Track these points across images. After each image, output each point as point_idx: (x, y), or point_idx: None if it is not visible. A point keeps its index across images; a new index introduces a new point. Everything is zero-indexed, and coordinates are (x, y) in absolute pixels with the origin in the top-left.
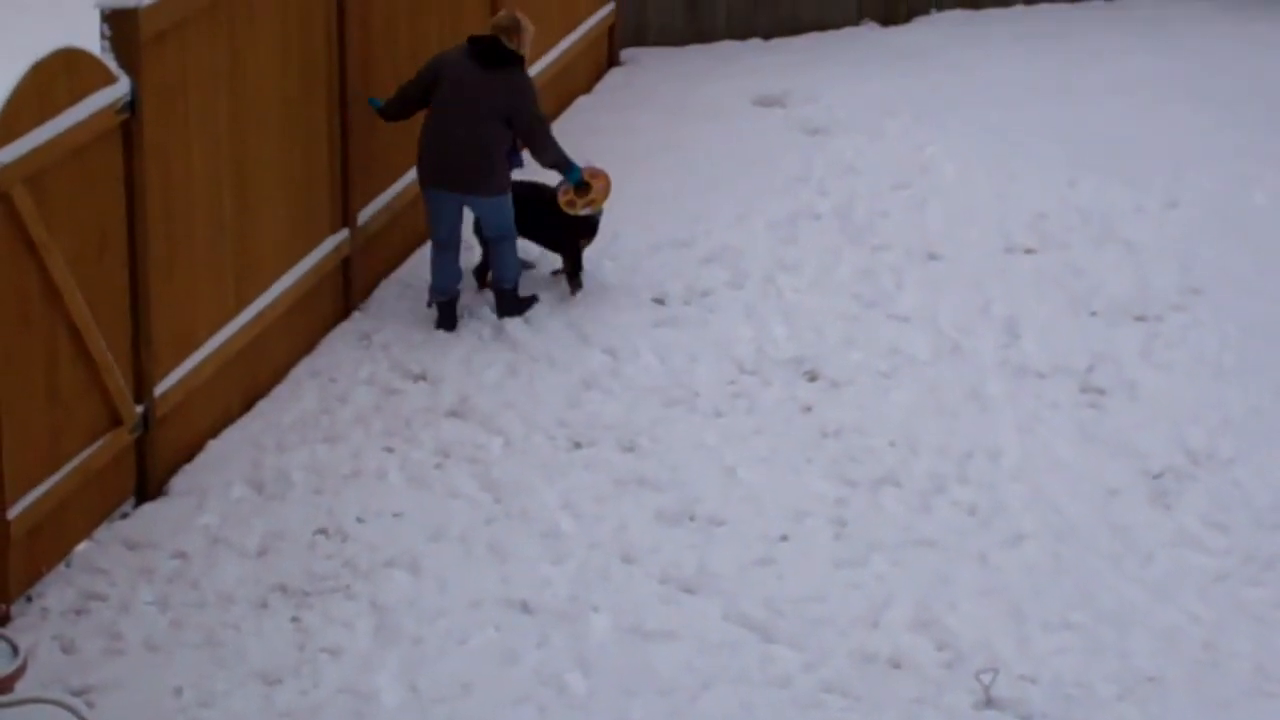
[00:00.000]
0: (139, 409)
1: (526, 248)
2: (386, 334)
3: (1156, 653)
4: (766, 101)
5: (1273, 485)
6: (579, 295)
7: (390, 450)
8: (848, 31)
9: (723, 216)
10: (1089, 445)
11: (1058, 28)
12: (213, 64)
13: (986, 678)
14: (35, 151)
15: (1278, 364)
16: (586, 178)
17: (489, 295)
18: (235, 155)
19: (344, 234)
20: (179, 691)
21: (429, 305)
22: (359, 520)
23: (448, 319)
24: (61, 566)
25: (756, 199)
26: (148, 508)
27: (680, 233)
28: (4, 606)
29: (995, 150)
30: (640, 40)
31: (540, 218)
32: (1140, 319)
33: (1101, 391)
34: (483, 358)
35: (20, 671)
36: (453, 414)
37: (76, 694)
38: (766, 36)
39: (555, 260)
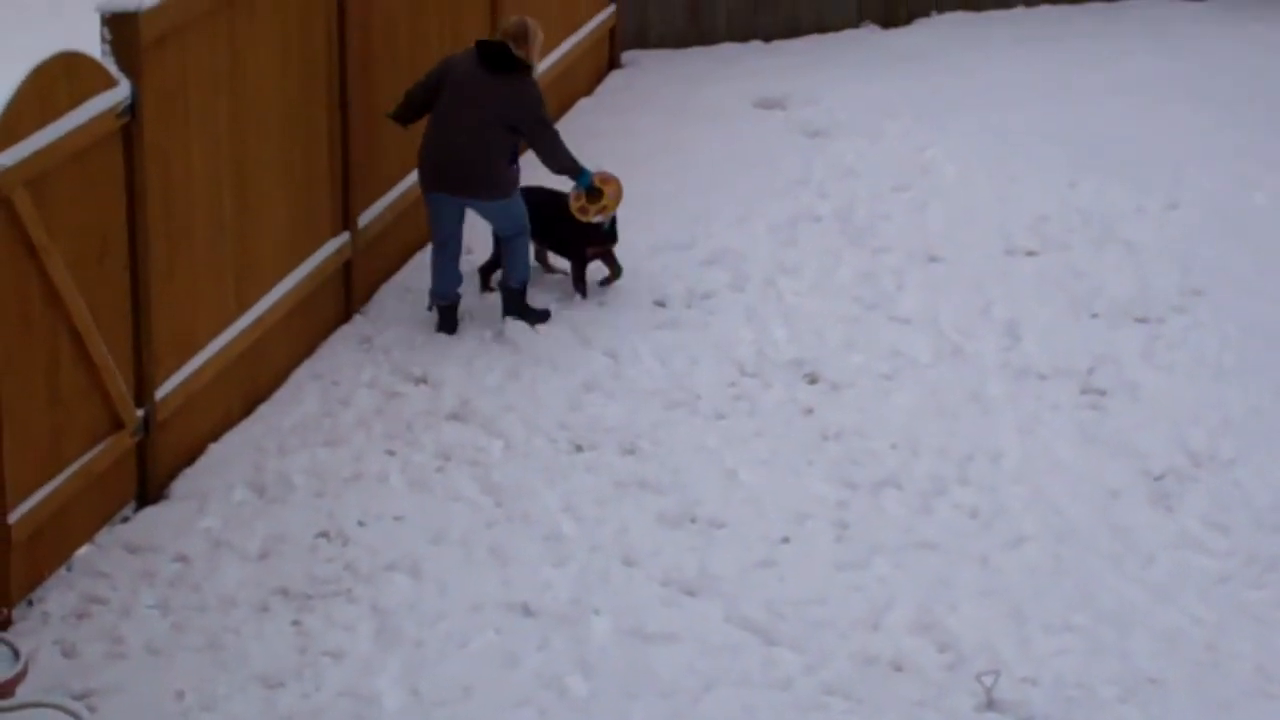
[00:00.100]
0: (140, 412)
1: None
2: (387, 337)
3: (1158, 654)
4: (767, 104)
5: (1273, 486)
6: (579, 299)
7: (391, 453)
8: (848, 34)
9: (723, 219)
10: (1090, 447)
11: (1058, 29)
12: (213, 67)
13: (988, 680)
14: (36, 155)
15: (1278, 365)
16: (598, 183)
17: (489, 297)
18: (236, 158)
19: (345, 237)
20: (180, 695)
21: (429, 309)
22: (360, 523)
23: (448, 322)
24: (62, 570)
25: (757, 201)
26: (149, 511)
27: (681, 235)
28: (5, 610)
29: (996, 152)
30: (641, 42)
31: (551, 222)
32: (1141, 320)
33: (1102, 393)
34: (484, 361)
35: (21, 675)
36: (454, 417)
37: (78, 698)
38: (767, 39)
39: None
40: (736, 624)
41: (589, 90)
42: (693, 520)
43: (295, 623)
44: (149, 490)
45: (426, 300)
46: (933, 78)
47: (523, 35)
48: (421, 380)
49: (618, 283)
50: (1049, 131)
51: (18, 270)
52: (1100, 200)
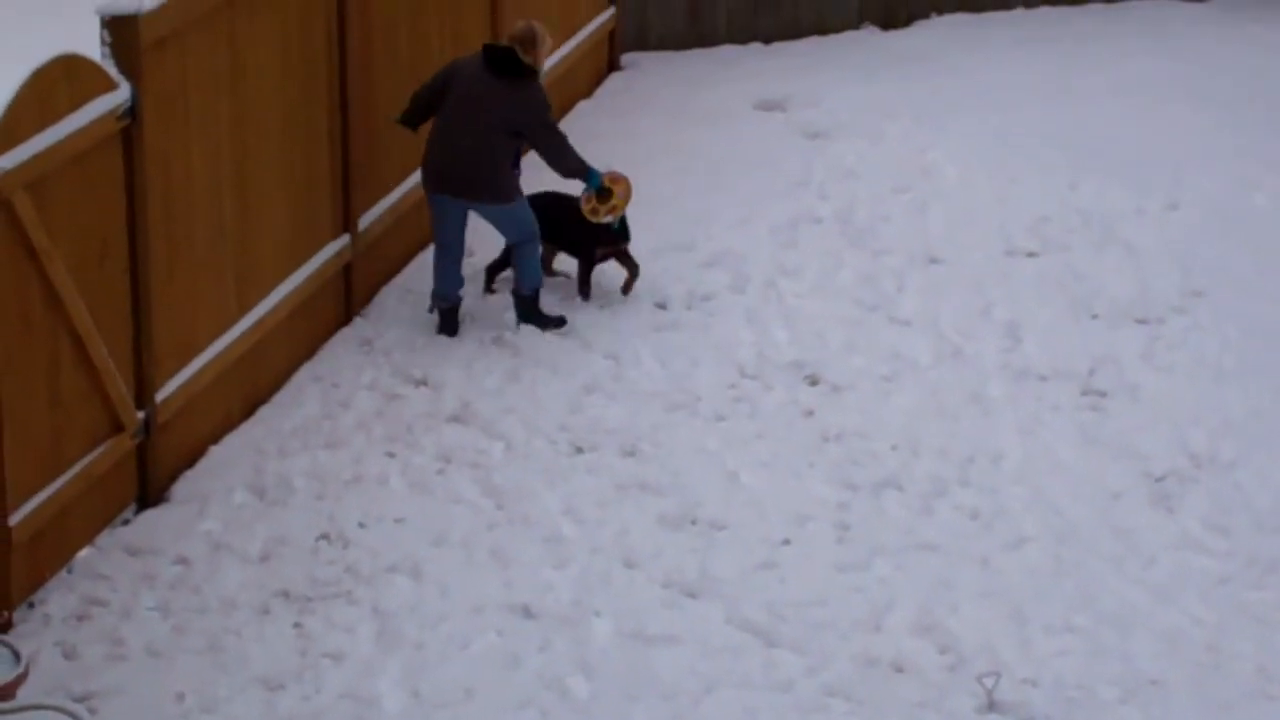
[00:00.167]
0: (140, 415)
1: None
2: (388, 339)
3: (1159, 655)
4: (767, 105)
5: (1274, 488)
6: (579, 301)
7: (392, 455)
8: (848, 35)
9: (724, 221)
10: (1090, 448)
11: (1058, 31)
12: (213, 70)
13: (989, 681)
14: (36, 158)
15: (1279, 366)
16: (607, 183)
17: (490, 299)
18: (236, 161)
19: (345, 239)
20: (181, 697)
21: (430, 311)
22: (361, 525)
23: (449, 325)
24: (63, 572)
25: (757, 203)
26: (149, 514)
27: (681, 237)
28: (6, 613)
29: (996, 153)
30: (641, 44)
31: (561, 225)
32: (1141, 322)
33: (1103, 394)
34: (484, 363)
35: (22, 678)
36: (454, 419)
37: (78, 700)
38: (767, 40)
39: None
40: (737, 626)
41: (589, 92)
42: (693, 522)
43: (296, 625)
44: (149, 492)
45: (427, 303)
46: (933, 79)
47: (530, 41)
48: (422, 382)
49: (618, 284)
50: (1049, 133)
51: (18, 273)
52: (1100, 201)
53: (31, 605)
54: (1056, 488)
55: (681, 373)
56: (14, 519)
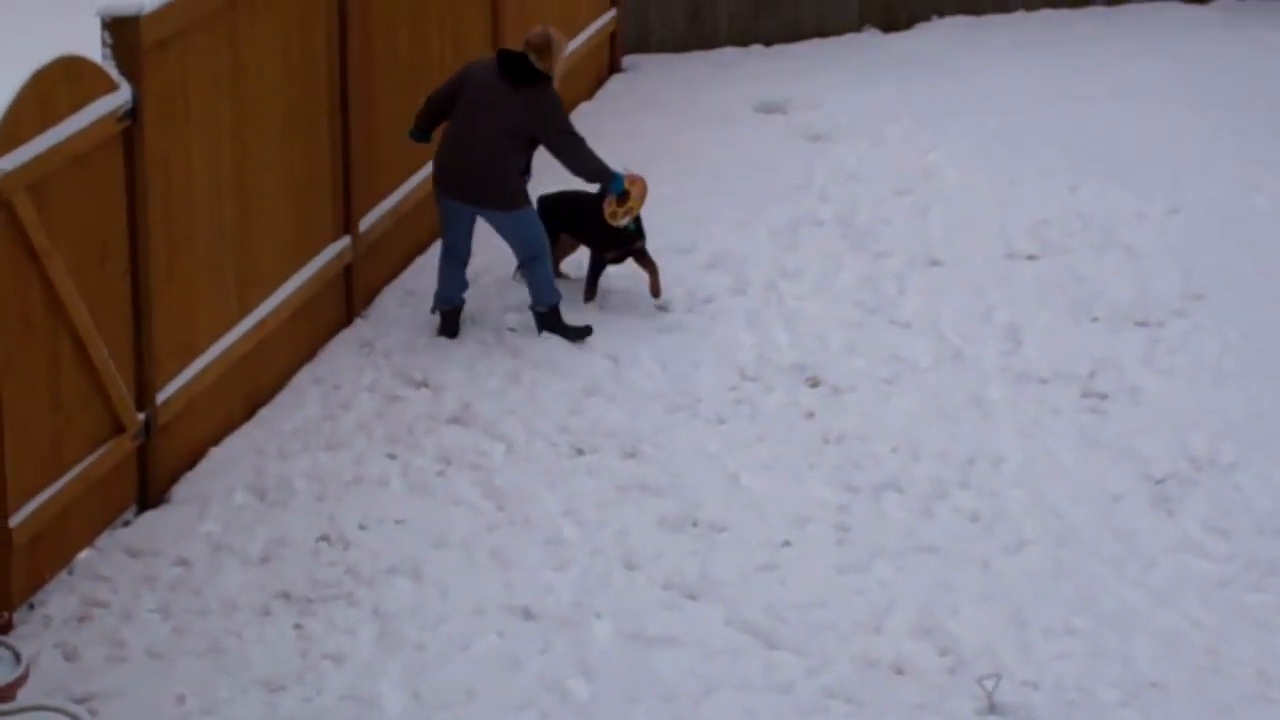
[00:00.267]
0: (141, 416)
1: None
2: (388, 341)
3: (1159, 658)
4: (768, 108)
5: (1274, 490)
6: (581, 303)
7: (392, 457)
8: (849, 38)
9: (724, 223)
10: (1091, 451)
11: (1058, 33)
12: (214, 71)
13: (989, 683)
14: (37, 159)
15: (1279, 368)
16: (626, 185)
17: (491, 301)
18: (236, 162)
19: (346, 241)
20: (181, 699)
21: (433, 311)
22: (361, 527)
23: (450, 327)
24: (64, 574)
25: (758, 205)
26: (150, 515)
27: (682, 239)
28: (6, 614)
29: (997, 156)
30: (642, 47)
31: (579, 219)
32: (1142, 324)
33: (1103, 397)
34: (485, 364)
35: (23, 679)
36: (455, 421)
37: (79, 702)
38: (768, 43)
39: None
40: (738, 627)
41: (590, 94)
42: (694, 524)
43: (297, 626)
44: (150, 494)
45: (427, 304)
46: (934, 82)
47: (546, 47)
48: (423, 384)
49: (620, 286)
50: (1050, 135)
51: (19, 274)
52: (1101, 204)
53: (32, 607)
54: (1057, 490)
55: (682, 375)
56: (14, 520)
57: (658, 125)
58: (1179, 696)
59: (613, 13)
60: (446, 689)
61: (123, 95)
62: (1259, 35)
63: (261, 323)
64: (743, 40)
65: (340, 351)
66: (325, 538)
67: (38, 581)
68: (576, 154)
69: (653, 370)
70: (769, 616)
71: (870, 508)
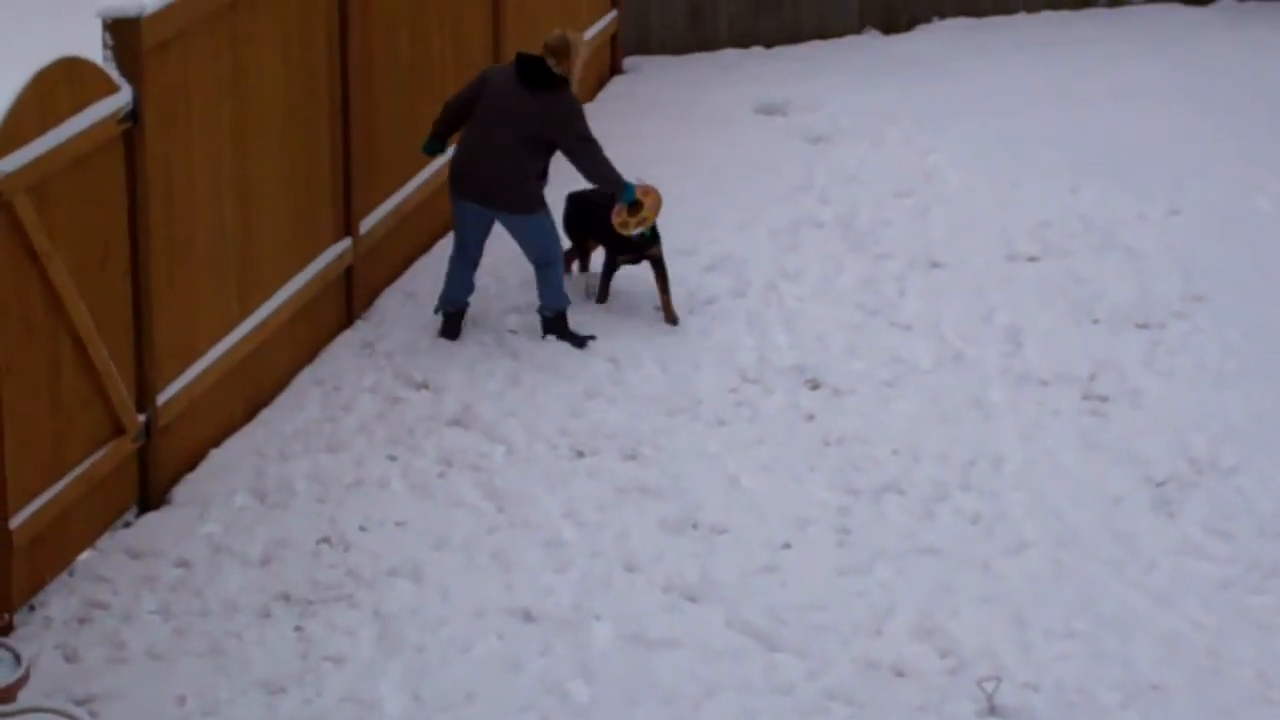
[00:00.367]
0: (141, 418)
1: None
2: (389, 342)
3: (1159, 660)
4: (769, 109)
5: (1275, 493)
6: (582, 305)
7: (393, 459)
8: (850, 39)
9: (725, 224)
10: (1091, 453)
11: (1059, 35)
12: (215, 73)
13: (989, 685)
14: (37, 161)
15: None
16: (639, 195)
17: (491, 303)
18: (237, 164)
19: (346, 243)
20: (182, 700)
21: (436, 312)
22: (362, 529)
23: (452, 328)
24: (64, 575)
25: (759, 207)
26: (150, 516)
27: (683, 241)
28: (7, 615)
29: (997, 157)
30: (643, 48)
31: (597, 219)
32: (1143, 326)
33: (1104, 399)
34: (485, 366)
35: (23, 681)
36: (455, 423)
37: (79, 703)
38: (769, 44)
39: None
40: (738, 629)
41: (591, 96)
42: (694, 526)
43: (297, 628)
44: (150, 495)
45: (428, 306)
46: (934, 83)
47: (564, 51)
48: (423, 386)
49: (620, 288)
50: (1050, 137)
51: (19, 275)
52: (1102, 206)
53: (32, 608)
54: (1057, 492)
55: (682, 376)
56: (15, 522)
57: (658, 127)
58: (1179, 698)
59: (613, 14)
60: (447, 691)
61: (123, 97)
62: (1260, 37)
63: (262, 324)
64: (743, 42)
65: (341, 353)
66: (326, 539)
67: (38, 583)
68: (593, 161)
69: (653, 372)
70: (769, 618)
71: (871, 510)
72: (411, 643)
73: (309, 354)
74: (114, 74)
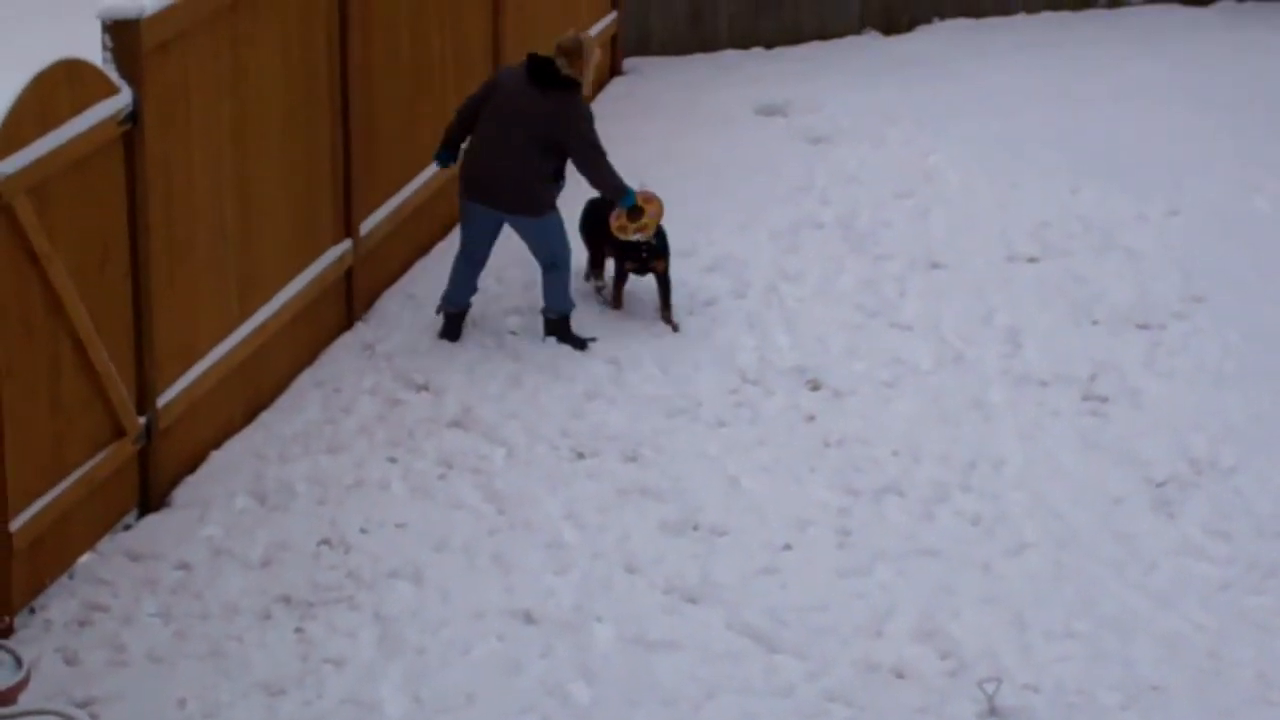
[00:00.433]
0: (141, 420)
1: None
2: (389, 344)
3: (1159, 661)
4: (769, 110)
5: (1275, 493)
6: (583, 307)
7: (393, 461)
8: (850, 40)
9: (725, 225)
10: (1091, 454)
11: (1059, 35)
12: (215, 74)
13: (990, 687)
14: (37, 162)
15: None
16: (640, 202)
17: (491, 304)
18: (237, 166)
19: (347, 244)
20: (182, 703)
21: (437, 312)
22: (362, 531)
23: (452, 330)
24: (64, 578)
25: (759, 208)
26: (150, 519)
27: (683, 242)
28: (7, 618)
29: (997, 158)
30: (643, 49)
31: (608, 229)
32: (1142, 327)
33: (1104, 400)
34: (486, 368)
35: (23, 683)
36: (456, 424)
37: (80, 706)
38: (769, 45)
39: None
40: (738, 631)
41: (591, 97)
42: (695, 527)
43: (297, 630)
44: (151, 498)
45: (428, 307)
46: (934, 84)
47: (576, 52)
48: (423, 388)
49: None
50: (1050, 138)
51: (19, 277)
52: (1101, 206)
53: (33, 610)
54: (1057, 493)
55: (683, 378)
56: (15, 524)
57: (658, 128)
58: (1179, 699)
59: (613, 15)
60: (447, 693)
61: (123, 98)
62: (1259, 37)
63: (262, 326)
64: (743, 42)
65: (341, 355)
66: (326, 541)
67: (38, 585)
68: (596, 167)
69: (653, 373)
70: (770, 620)
71: (871, 511)
72: (412, 645)
73: (309, 356)
74: (114, 75)
